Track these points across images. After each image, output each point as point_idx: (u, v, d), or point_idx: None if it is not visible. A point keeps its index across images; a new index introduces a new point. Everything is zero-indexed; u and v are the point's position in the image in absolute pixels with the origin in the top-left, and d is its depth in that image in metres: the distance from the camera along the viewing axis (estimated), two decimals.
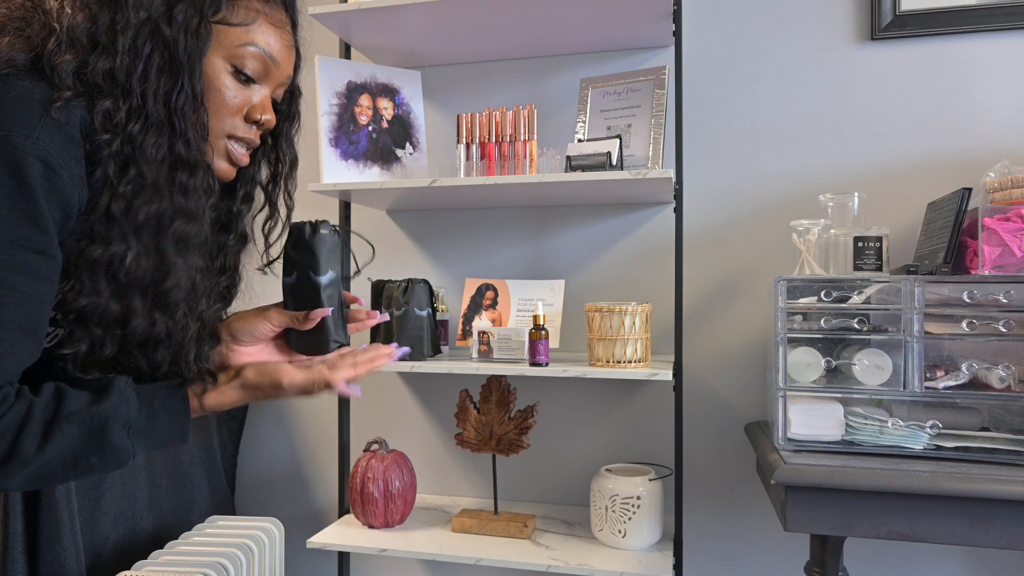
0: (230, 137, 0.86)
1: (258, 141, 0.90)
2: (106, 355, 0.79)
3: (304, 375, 0.88)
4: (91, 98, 0.75)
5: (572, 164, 1.50)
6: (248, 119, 0.86)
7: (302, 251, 0.92)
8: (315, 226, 0.91)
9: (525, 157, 1.61)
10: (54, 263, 0.73)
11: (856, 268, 1.37)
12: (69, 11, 0.76)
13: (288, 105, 0.95)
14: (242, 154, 0.88)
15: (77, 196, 0.74)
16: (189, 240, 0.81)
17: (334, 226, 0.93)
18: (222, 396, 0.87)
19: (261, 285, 1.02)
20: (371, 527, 1.64)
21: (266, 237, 0.99)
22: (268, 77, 0.87)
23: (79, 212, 0.75)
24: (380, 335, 1.64)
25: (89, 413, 0.75)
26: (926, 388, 1.22)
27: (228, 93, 0.83)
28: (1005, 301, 1.19)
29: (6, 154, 0.68)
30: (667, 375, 1.39)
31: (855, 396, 1.28)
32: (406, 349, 1.00)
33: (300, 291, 0.94)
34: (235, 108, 0.85)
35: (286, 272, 0.95)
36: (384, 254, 1.94)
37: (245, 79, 0.85)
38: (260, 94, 0.87)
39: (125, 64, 0.76)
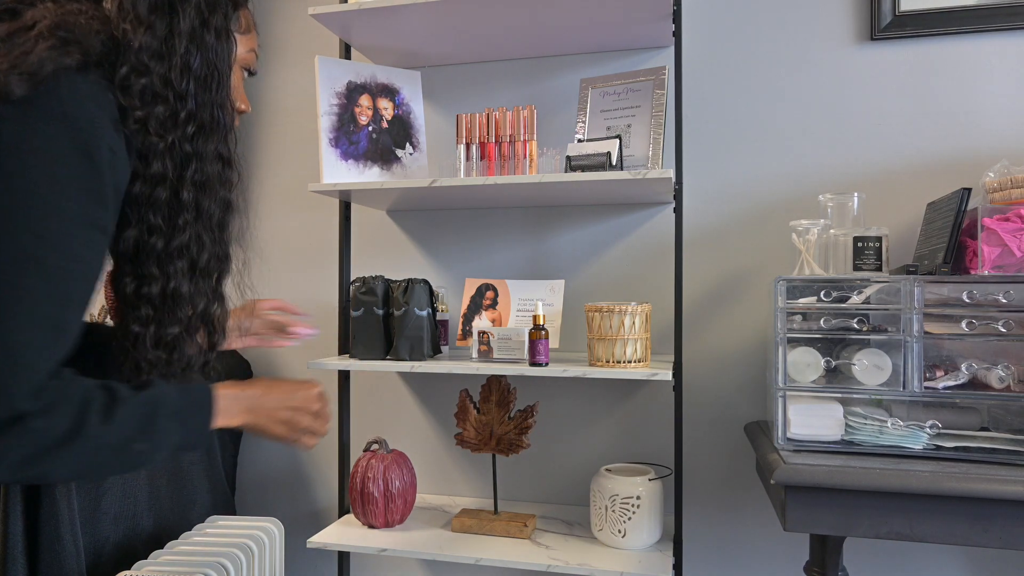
0: None
1: None
2: (172, 333, 0.88)
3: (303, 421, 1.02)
4: (148, 106, 0.82)
5: (572, 164, 1.50)
6: (237, 110, 0.99)
7: None
8: None
9: (525, 157, 1.61)
10: (107, 240, 0.79)
11: (856, 268, 1.37)
12: (128, 26, 0.81)
13: None
14: None
15: (125, 181, 0.81)
16: (230, 227, 0.94)
17: None
18: (231, 397, 0.94)
19: None
20: (371, 527, 1.64)
21: None
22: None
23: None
24: (382, 336, 1.63)
25: (143, 397, 0.81)
26: (926, 388, 1.22)
27: (238, 91, 0.96)
28: (1004, 301, 1.19)
29: (80, 138, 0.74)
30: (667, 375, 1.39)
31: (855, 396, 1.28)
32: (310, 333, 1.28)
33: None
34: (239, 102, 0.98)
35: None
36: (384, 254, 1.94)
37: (246, 76, 0.99)
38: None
39: (178, 70, 0.84)
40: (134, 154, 0.82)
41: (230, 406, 0.91)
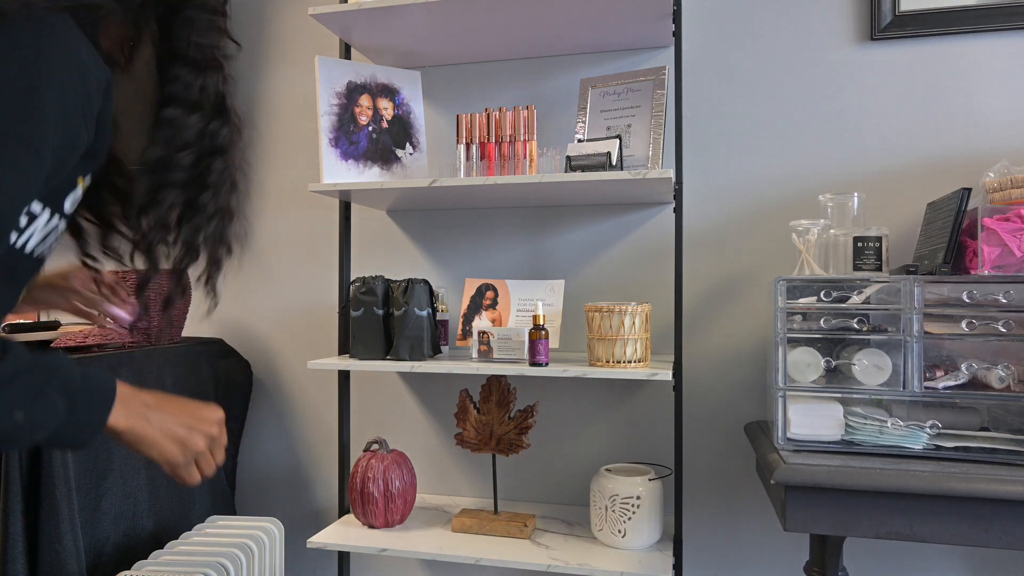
0: None
1: None
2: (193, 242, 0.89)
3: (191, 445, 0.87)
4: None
5: (572, 164, 1.51)
6: None
7: None
8: None
9: (525, 157, 1.61)
10: (42, 163, 0.70)
11: (856, 268, 1.37)
12: None
13: None
14: None
15: (85, 126, 0.75)
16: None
17: None
18: (130, 396, 0.81)
19: None
20: (371, 527, 1.64)
21: None
22: None
23: (86, 144, 0.77)
24: (381, 335, 1.63)
25: (37, 359, 0.71)
26: (926, 388, 1.22)
27: None
28: (1004, 301, 1.19)
29: (32, 69, 0.69)
30: (667, 375, 1.39)
31: (855, 396, 1.28)
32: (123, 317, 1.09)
33: None
34: None
35: None
36: (384, 254, 1.94)
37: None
38: None
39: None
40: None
41: (126, 404, 0.79)
